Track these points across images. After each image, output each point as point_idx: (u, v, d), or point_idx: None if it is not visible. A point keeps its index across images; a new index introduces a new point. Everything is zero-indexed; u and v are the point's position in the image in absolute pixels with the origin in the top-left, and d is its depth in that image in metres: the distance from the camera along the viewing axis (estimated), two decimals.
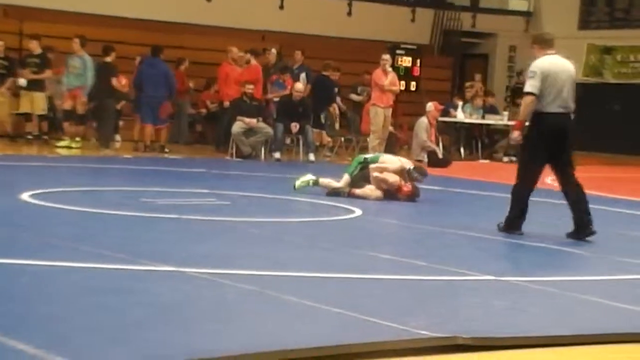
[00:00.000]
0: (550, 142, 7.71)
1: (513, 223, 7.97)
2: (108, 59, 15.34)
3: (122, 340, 4.08)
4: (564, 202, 11.22)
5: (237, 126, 15.09)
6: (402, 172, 10.17)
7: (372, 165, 10.19)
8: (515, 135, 7.96)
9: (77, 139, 14.84)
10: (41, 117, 15.42)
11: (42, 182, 10.03)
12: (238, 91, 15.59)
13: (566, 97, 7.74)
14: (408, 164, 10.34)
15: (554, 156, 7.80)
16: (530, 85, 7.70)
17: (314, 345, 4.10)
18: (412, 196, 10.08)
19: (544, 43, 7.95)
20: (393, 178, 10.06)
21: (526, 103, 7.79)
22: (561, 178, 7.95)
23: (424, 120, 15.76)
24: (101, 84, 15.29)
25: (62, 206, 8.25)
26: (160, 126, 15.51)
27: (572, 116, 7.84)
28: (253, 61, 16.02)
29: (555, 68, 7.75)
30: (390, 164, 10.25)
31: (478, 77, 20.51)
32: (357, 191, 10.09)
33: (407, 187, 10.08)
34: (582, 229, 7.81)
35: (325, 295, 5.23)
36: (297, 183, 10.34)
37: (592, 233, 7.79)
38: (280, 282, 5.64)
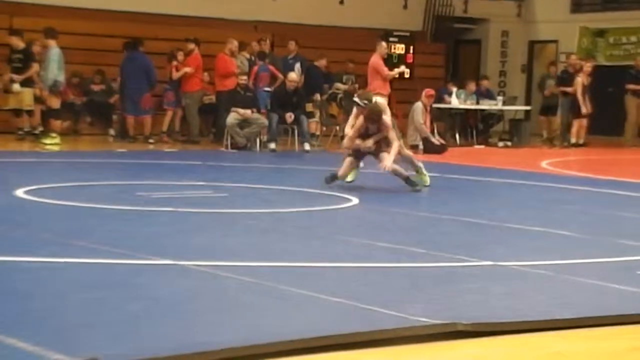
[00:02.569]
0: None
1: None
2: None
3: (121, 335, 4.07)
4: (557, 185, 11.27)
5: (232, 117, 15.06)
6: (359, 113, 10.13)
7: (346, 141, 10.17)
8: None
9: (53, 134, 14.57)
10: (29, 112, 15.35)
11: (36, 178, 10.00)
12: (233, 82, 15.64)
13: None
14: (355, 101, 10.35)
15: None
16: None
17: (313, 335, 4.09)
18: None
19: None
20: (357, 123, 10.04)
21: None
22: None
23: (419, 104, 15.75)
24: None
25: (57, 202, 8.24)
26: (143, 117, 15.68)
27: None
28: (196, 50, 16.11)
29: None
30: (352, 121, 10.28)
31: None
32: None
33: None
34: None
35: (323, 285, 5.22)
36: (349, 178, 10.09)
37: None
38: (278, 272, 5.63)
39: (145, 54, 15.90)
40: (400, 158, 10.12)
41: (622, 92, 18.74)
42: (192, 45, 16.23)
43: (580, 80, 17.92)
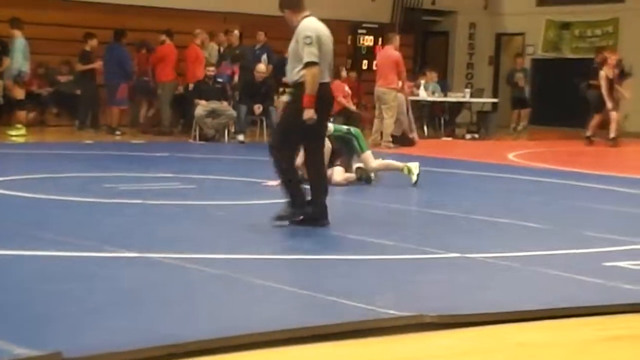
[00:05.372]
0: (325, 114, 7.01)
1: None
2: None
3: (86, 328, 4.04)
4: (523, 177, 11.36)
5: (200, 109, 15.00)
6: None
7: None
8: (311, 114, 6.72)
9: (19, 125, 14.45)
10: None
11: (2, 170, 9.90)
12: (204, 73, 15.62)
13: (331, 64, 7.11)
14: None
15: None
16: (312, 54, 6.73)
17: (280, 327, 4.09)
18: None
19: (298, 5, 7.03)
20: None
21: (314, 74, 6.72)
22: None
23: (402, 97, 15.71)
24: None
25: (23, 194, 8.16)
26: (118, 107, 15.70)
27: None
28: (167, 41, 16.07)
29: (323, 31, 7.01)
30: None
31: None
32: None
33: None
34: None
35: (291, 277, 5.23)
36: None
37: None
38: (245, 264, 5.63)
39: (122, 45, 15.87)
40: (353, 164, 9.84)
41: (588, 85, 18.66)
42: (163, 37, 16.16)
43: (604, 73, 17.02)
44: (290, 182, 6.98)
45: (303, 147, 7.14)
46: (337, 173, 9.66)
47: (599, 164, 13.62)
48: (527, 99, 19.80)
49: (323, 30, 7.05)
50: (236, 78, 16.35)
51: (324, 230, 6.91)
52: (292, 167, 7.02)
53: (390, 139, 14.94)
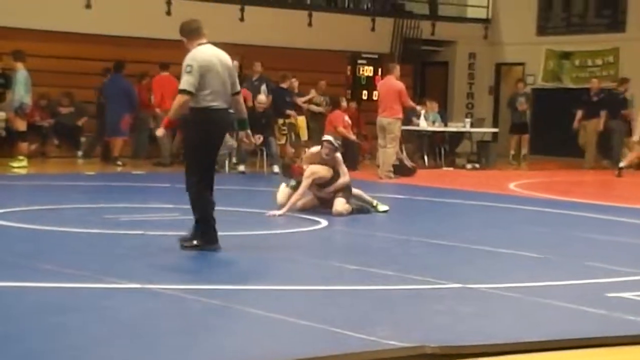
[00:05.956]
0: (218, 138, 7.14)
1: None
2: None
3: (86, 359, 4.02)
4: (525, 207, 11.34)
5: None
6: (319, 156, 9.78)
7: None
8: (161, 132, 7.83)
9: (20, 157, 14.46)
10: None
11: (3, 201, 9.89)
12: None
13: (228, 90, 7.12)
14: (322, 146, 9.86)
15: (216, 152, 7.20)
16: (187, 82, 6.89)
17: (281, 358, 4.07)
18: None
19: (194, 33, 7.23)
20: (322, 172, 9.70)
21: (180, 102, 6.91)
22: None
23: None
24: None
25: (24, 225, 8.16)
26: (119, 138, 15.73)
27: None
28: (162, 73, 16.18)
29: (213, 59, 7.09)
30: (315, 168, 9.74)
31: None
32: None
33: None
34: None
35: (292, 308, 5.21)
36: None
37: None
38: (246, 295, 5.61)
39: (123, 77, 15.97)
40: (352, 196, 9.83)
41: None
42: (158, 68, 16.23)
43: None
44: (198, 213, 7.05)
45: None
46: (339, 203, 9.65)
47: (600, 194, 13.61)
48: (527, 123, 19.84)
49: (214, 58, 7.15)
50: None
51: (324, 261, 6.90)
52: (198, 193, 7.05)
53: (392, 169, 14.94)
